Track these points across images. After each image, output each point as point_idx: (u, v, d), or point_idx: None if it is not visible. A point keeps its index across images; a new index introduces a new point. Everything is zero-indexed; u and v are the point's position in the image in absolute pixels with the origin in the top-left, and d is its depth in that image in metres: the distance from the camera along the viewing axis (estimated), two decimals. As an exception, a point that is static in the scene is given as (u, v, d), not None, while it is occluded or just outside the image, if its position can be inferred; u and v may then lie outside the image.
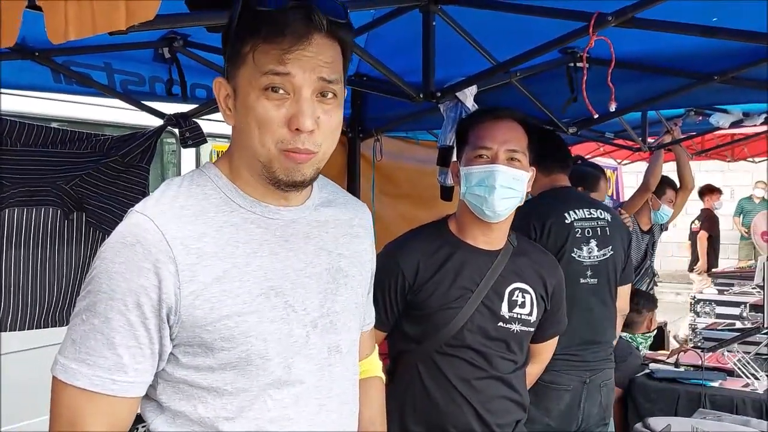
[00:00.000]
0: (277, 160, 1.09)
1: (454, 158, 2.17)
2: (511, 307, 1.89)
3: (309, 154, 1.09)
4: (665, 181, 4.45)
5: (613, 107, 1.94)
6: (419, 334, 1.85)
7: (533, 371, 2.11)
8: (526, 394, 1.99)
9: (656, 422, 2.42)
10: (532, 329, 1.94)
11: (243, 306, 1.10)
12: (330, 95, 1.10)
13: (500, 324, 1.88)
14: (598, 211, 2.61)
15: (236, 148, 1.15)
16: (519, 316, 1.90)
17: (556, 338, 2.12)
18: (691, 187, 4.36)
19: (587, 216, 2.56)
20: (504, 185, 1.78)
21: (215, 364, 1.10)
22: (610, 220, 2.63)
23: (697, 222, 9.30)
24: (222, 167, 1.17)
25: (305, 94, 1.07)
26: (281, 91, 1.07)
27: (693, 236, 9.27)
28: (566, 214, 2.51)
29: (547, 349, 2.12)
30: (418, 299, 1.84)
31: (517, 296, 1.90)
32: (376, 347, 1.52)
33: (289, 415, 1.14)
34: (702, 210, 9.38)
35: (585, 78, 1.89)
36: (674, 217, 4.68)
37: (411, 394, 1.66)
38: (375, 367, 1.48)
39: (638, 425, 2.47)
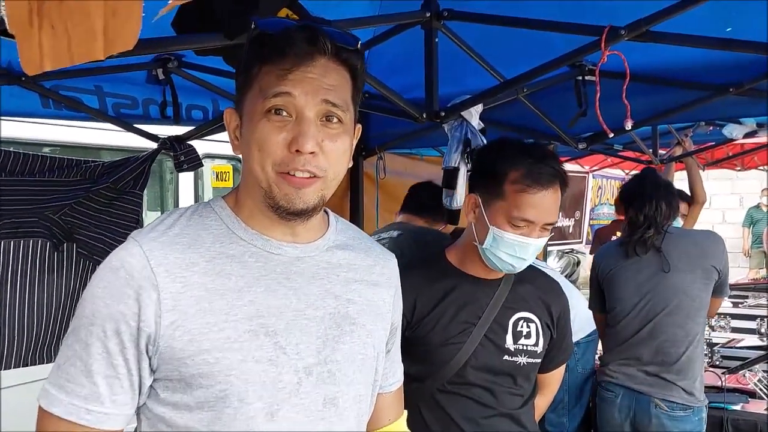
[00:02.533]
0: (276, 185, 1.05)
1: (462, 185, 2.08)
2: (516, 338, 1.79)
3: (311, 178, 1.05)
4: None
5: (629, 125, 1.84)
6: (419, 372, 1.74)
7: (541, 403, 2.02)
8: (534, 429, 1.90)
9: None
10: (539, 360, 1.85)
11: (226, 341, 1.03)
12: (335, 120, 1.06)
13: (506, 357, 1.78)
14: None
15: (243, 179, 1.14)
16: (525, 348, 1.80)
17: (563, 366, 2.03)
18: (704, 200, 4.23)
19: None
20: (533, 256, 1.73)
21: (192, 402, 1.03)
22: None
23: None
24: (228, 200, 1.15)
25: (308, 115, 1.04)
26: (284, 113, 1.04)
27: None
28: None
29: (554, 379, 2.02)
30: (416, 335, 1.74)
31: (522, 326, 1.81)
32: (405, 413, 1.38)
33: None
34: None
35: (598, 95, 1.80)
36: None
37: None
38: None
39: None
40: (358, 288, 1.18)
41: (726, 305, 5.72)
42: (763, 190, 10.84)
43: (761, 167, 7.37)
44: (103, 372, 1.02)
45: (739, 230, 11.43)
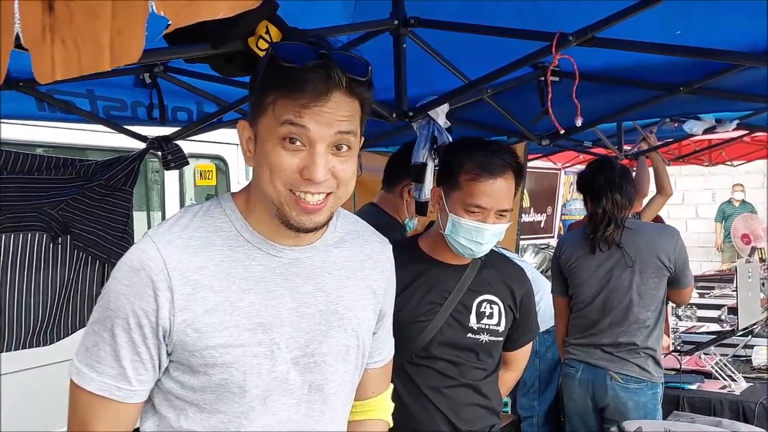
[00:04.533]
0: (288, 205, 1.15)
1: (430, 179, 2.24)
2: (479, 318, 1.97)
3: (323, 201, 1.15)
4: None
5: (579, 122, 2.01)
6: None
7: (509, 378, 2.19)
8: (497, 400, 2.07)
9: (630, 425, 2.49)
10: (501, 338, 2.02)
11: (230, 339, 1.18)
12: (345, 148, 1.15)
13: (469, 335, 1.96)
14: None
15: (254, 187, 1.22)
16: (487, 327, 1.98)
17: (530, 345, 2.20)
18: (670, 193, 4.40)
19: None
20: (490, 241, 1.88)
21: (197, 385, 1.19)
22: None
23: None
24: (239, 201, 1.25)
25: (320, 149, 1.12)
26: (297, 143, 1.12)
27: None
28: None
29: (521, 356, 2.19)
30: None
31: (485, 308, 1.98)
32: (390, 387, 1.52)
33: None
34: None
35: (550, 96, 1.98)
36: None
37: None
38: (382, 408, 1.49)
39: (614, 429, 2.55)
40: (349, 284, 1.31)
41: (692, 296, 5.94)
42: (734, 186, 11.12)
43: (729, 162, 7.61)
44: (129, 357, 1.17)
45: (711, 225, 11.69)
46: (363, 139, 1.24)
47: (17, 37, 1.07)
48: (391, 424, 1.52)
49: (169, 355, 1.19)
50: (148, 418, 1.25)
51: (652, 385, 2.97)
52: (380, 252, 1.39)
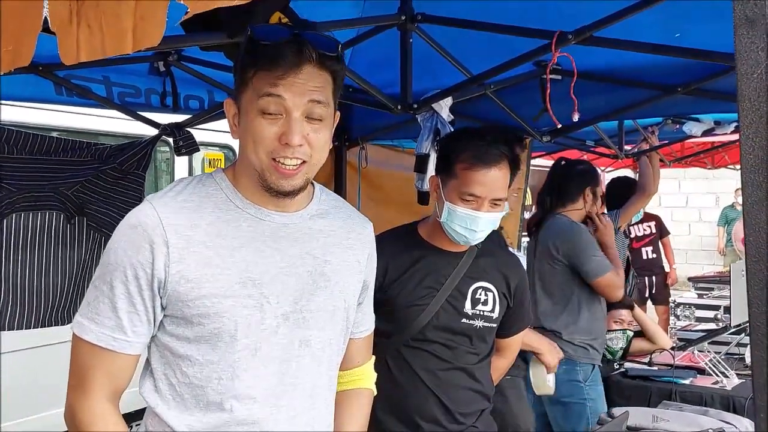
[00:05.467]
0: (269, 170, 1.26)
1: (432, 170, 2.32)
2: (474, 304, 2.02)
3: (298, 167, 1.26)
4: None
5: (575, 118, 2.10)
6: (388, 329, 1.95)
7: (501, 365, 2.24)
8: (489, 385, 2.12)
9: (619, 411, 2.57)
10: (495, 325, 2.08)
11: (221, 289, 1.27)
12: (317, 116, 1.27)
13: (464, 320, 2.01)
14: None
15: (240, 159, 1.34)
16: (482, 313, 2.03)
17: (522, 333, 2.26)
18: (653, 192, 4.45)
19: None
20: (484, 229, 1.94)
21: (191, 336, 1.28)
22: None
23: None
24: (228, 173, 1.36)
25: (295, 114, 1.24)
26: (275, 113, 1.25)
27: None
28: None
29: (513, 344, 2.25)
30: (386, 297, 1.97)
31: (480, 294, 2.04)
32: (372, 358, 1.61)
33: (252, 394, 1.30)
34: None
35: (548, 91, 2.05)
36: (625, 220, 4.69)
37: (380, 385, 1.77)
38: (366, 377, 1.58)
39: (603, 414, 2.63)
40: (335, 251, 1.40)
41: (691, 296, 6.03)
42: (736, 190, 11.13)
43: (731, 166, 7.66)
44: (126, 309, 1.26)
45: (714, 229, 11.72)
46: (338, 114, 1.35)
47: (44, 21, 1.15)
48: (375, 392, 1.60)
49: (163, 309, 1.27)
50: (146, 380, 1.33)
51: (566, 361, 3.12)
52: (362, 226, 1.50)
